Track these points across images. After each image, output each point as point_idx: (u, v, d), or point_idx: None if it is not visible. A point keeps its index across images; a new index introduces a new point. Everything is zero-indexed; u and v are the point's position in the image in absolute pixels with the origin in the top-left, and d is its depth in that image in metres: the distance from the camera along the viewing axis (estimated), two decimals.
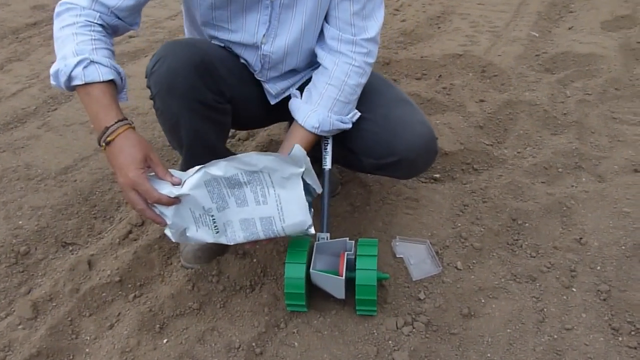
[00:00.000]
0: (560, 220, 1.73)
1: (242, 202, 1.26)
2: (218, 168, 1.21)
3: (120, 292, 1.57)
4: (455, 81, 2.53)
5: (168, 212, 1.23)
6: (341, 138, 1.46)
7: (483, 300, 1.48)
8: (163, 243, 1.71)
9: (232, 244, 1.30)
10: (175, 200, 1.21)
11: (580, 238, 1.64)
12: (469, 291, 1.49)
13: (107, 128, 1.18)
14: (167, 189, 1.20)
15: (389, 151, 1.41)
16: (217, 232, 1.27)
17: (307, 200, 1.27)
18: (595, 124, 2.21)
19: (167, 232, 1.27)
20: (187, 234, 1.27)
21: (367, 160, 1.46)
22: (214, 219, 1.26)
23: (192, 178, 1.21)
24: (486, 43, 2.96)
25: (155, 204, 1.21)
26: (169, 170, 1.22)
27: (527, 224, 1.71)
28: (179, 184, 1.21)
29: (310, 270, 1.36)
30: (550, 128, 2.22)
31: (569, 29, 3.13)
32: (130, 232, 1.77)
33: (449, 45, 2.93)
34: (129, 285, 1.59)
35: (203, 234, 1.28)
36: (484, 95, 2.42)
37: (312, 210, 1.30)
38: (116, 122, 1.18)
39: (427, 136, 1.41)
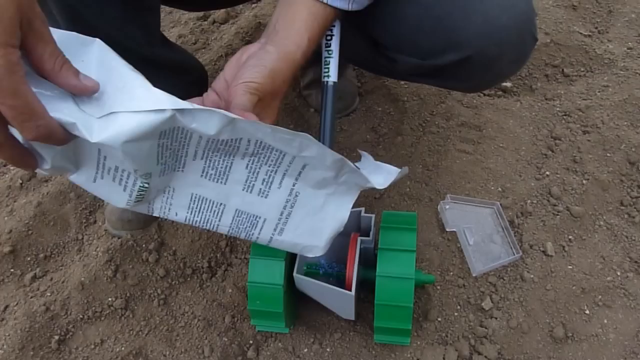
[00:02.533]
0: None
1: (217, 175, 0.64)
2: (208, 122, 0.56)
3: (12, 270, 1.02)
4: None
5: (48, 153, 0.56)
6: (359, 21, 0.79)
7: (588, 312, 0.88)
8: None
9: (153, 215, 0.70)
10: (71, 137, 0.54)
11: None
12: (565, 295, 0.89)
13: None
14: (61, 109, 0.51)
15: (448, 40, 0.74)
16: (138, 201, 0.65)
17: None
18: None
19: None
20: (70, 177, 0.63)
21: (406, 61, 0.80)
22: (144, 187, 0.63)
23: (139, 119, 0.52)
24: None
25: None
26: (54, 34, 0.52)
27: None
28: (92, 92, 0.52)
29: (294, 273, 0.76)
30: None
31: None
32: None
33: None
34: (27, 259, 1.03)
35: (104, 190, 0.64)
36: None
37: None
38: None
39: (521, 9, 0.73)
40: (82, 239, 1.05)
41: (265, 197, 0.65)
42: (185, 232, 1.01)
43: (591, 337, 0.85)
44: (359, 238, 0.78)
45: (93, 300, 0.94)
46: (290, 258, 0.78)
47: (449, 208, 0.98)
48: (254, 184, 0.64)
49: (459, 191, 1.02)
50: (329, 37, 0.80)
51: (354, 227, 0.83)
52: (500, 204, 0.98)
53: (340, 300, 0.76)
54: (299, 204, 0.66)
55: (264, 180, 0.64)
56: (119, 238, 1.00)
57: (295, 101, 1.28)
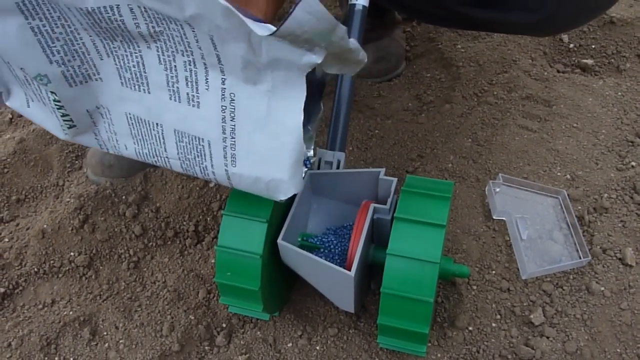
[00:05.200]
0: None
1: (135, 79, 0.49)
2: None
3: None
4: None
5: None
6: None
7: None
8: None
9: (109, 151, 0.56)
10: None
11: None
12: None
13: None
14: None
15: None
16: (71, 126, 0.51)
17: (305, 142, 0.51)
18: None
19: None
20: (7, 103, 0.54)
21: None
22: (57, 102, 0.49)
23: None
24: None
25: None
26: None
27: None
28: None
29: (279, 240, 0.57)
30: None
31: None
32: None
33: None
34: None
35: (40, 116, 0.54)
36: None
37: (310, 158, 0.55)
38: None
39: None
40: (63, 185, 0.90)
41: (198, 107, 0.47)
42: (174, 187, 0.84)
43: None
44: (372, 205, 0.59)
45: (53, 252, 0.78)
46: (279, 221, 0.59)
47: (499, 191, 0.77)
48: (178, 88, 0.47)
49: (515, 173, 0.81)
50: None
51: (370, 194, 0.64)
52: (568, 195, 0.76)
53: (337, 284, 0.57)
54: (239, 113, 0.47)
55: (186, 79, 0.46)
56: (97, 185, 0.85)
57: None
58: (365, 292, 0.68)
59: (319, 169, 0.64)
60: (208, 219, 0.82)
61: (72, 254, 0.78)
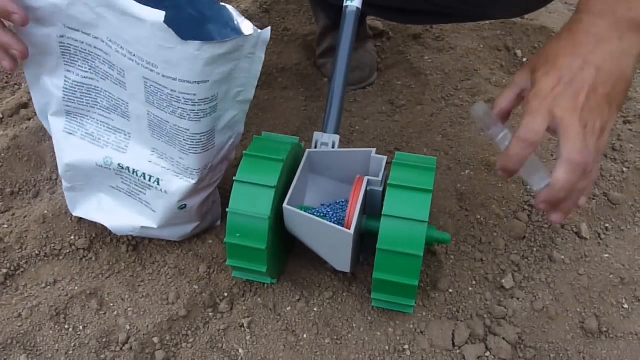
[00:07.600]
0: None
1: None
2: None
3: None
4: None
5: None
6: None
7: (626, 306, 0.74)
8: None
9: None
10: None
11: None
12: (600, 283, 0.76)
13: None
14: None
15: None
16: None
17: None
18: None
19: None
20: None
21: None
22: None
23: None
24: None
25: None
26: None
27: None
28: None
29: (285, 205, 0.64)
30: None
31: None
32: (26, 105, 1.08)
33: None
34: None
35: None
36: None
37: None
38: None
39: None
40: (56, 179, 0.94)
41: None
42: None
43: (629, 335, 0.71)
44: (366, 177, 0.66)
45: (53, 236, 0.82)
46: (282, 190, 0.66)
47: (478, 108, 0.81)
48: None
49: (484, 164, 0.90)
50: None
51: (362, 171, 0.71)
52: None
53: (335, 243, 0.63)
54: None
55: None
56: None
57: (309, 69, 1.18)
58: (356, 261, 0.75)
59: (315, 147, 0.71)
60: None
61: (72, 237, 0.82)
